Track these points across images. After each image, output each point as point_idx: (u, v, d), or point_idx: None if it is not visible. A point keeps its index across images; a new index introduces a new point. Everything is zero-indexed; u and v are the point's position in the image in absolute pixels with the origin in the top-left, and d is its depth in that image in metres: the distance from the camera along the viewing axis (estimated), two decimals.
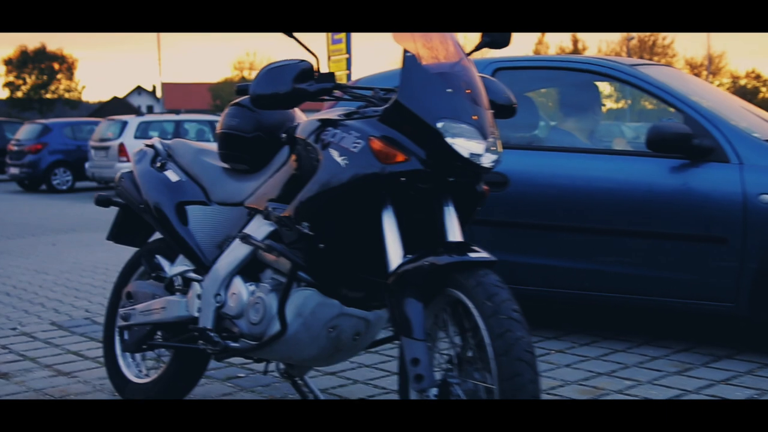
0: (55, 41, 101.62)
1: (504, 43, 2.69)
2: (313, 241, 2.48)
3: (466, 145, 2.29)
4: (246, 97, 3.02)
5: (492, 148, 2.34)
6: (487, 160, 2.33)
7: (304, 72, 2.51)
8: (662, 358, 3.91)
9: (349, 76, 22.58)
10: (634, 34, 49.69)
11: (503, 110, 2.63)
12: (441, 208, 2.40)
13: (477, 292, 2.10)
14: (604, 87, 4.65)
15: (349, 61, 22.75)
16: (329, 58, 23.29)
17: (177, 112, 18.58)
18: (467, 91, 2.36)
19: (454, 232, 2.37)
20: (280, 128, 2.93)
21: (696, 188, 3.80)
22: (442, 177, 2.35)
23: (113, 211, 3.40)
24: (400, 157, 2.33)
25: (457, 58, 2.43)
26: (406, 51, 2.40)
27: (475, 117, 2.33)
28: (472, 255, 2.17)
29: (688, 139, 3.74)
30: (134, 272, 3.34)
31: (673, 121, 3.90)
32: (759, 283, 3.66)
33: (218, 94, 51.05)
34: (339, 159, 2.42)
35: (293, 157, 2.69)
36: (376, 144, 2.36)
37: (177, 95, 53.90)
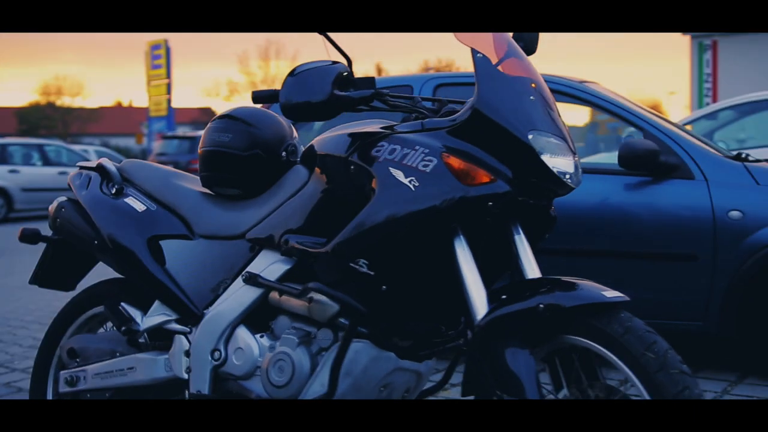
0: None
1: (533, 48, 2.22)
2: (374, 282, 1.88)
3: (555, 161, 1.82)
4: (237, 107, 2.39)
5: (577, 164, 1.87)
6: (574, 179, 1.86)
7: (341, 76, 1.94)
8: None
9: (169, 101, 21.65)
10: (432, 64, 51.02)
11: None
12: (511, 236, 1.90)
13: (629, 341, 1.60)
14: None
15: (169, 87, 21.83)
16: (149, 83, 22.24)
17: None
18: (545, 98, 1.89)
19: (531, 265, 1.88)
20: (280, 145, 2.31)
21: (664, 206, 3.48)
22: (522, 199, 1.85)
23: None
24: (484, 177, 1.81)
25: (524, 61, 1.94)
26: (475, 51, 1.88)
27: (561, 128, 1.86)
28: (608, 294, 1.67)
29: (657, 155, 3.42)
30: (71, 323, 2.57)
31: (640, 138, 3.56)
32: (728, 300, 3.39)
33: (25, 119, 47.43)
34: (405, 181, 1.85)
35: (323, 178, 2.07)
36: (455, 161, 1.83)
37: None
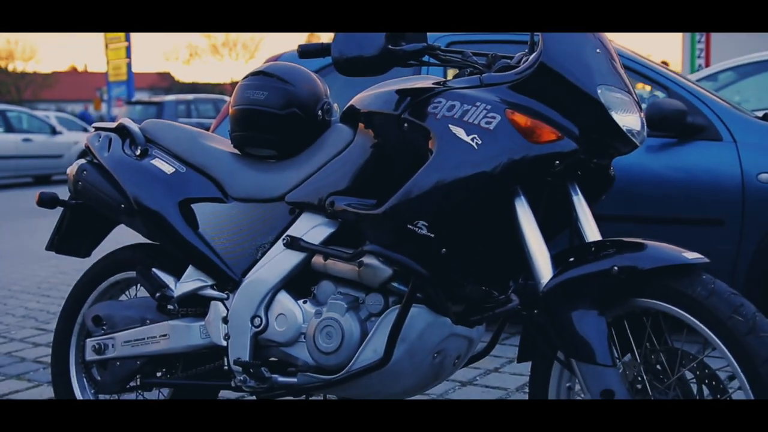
0: None
1: None
2: (433, 245, 1.88)
3: (624, 118, 1.82)
4: (270, 64, 2.37)
5: (643, 120, 1.88)
6: (640, 137, 1.87)
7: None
8: None
9: (129, 65, 21.34)
10: None
11: None
12: (570, 197, 1.90)
13: (714, 303, 1.60)
14: None
15: (128, 50, 21.51)
16: (107, 45, 21.88)
17: None
18: (608, 50, 1.89)
19: (591, 227, 1.88)
20: (316, 103, 2.29)
21: (689, 168, 3.49)
22: (585, 157, 1.85)
23: None
24: (551, 134, 1.80)
25: None
26: None
27: (626, 83, 1.87)
28: (688, 256, 1.67)
29: (684, 116, 3.43)
30: (93, 290, 2.54)
31: (667, 98, 3.57)
32: (756, 265, 3.42)
33: None
34: (467, 139, 1.84)
35: (370, 137, 2.06)
36: (520, 118, 1.81)
37: None
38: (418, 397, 2.78)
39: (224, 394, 2.87)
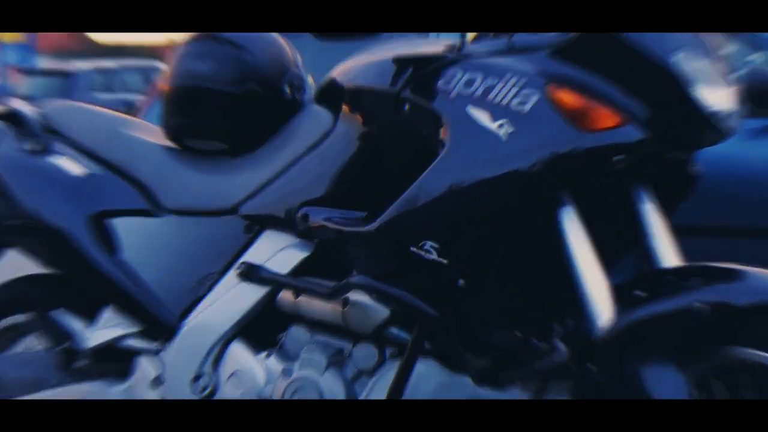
0: None
1: None
2: (446, 274, 1.89)
3: (709, 95, 1.83)
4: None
5: (737, 100, 1.90)
6: (732, 122, 1.88)
7: None
8: None
9: None
10: None
11: None
12: (636, 205, 1.95)
13: None
14: None
15: None
16: None
17: None
18: None
19: (668, 247, 1.94)
20: (282, 76, 2.32)
21: None
22: (656, 151, 1.89)
23: None
24: (609, 119, 1.82)
25: None
26: None
27: (711, 48, 1.89)
28: None
29: None
30: None
31: None
32: None
33: None
34: (493, 126, 1.87)
35: (356, 124, 2.10)
36: (566, 96, 1.85)
37: None
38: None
39: None
